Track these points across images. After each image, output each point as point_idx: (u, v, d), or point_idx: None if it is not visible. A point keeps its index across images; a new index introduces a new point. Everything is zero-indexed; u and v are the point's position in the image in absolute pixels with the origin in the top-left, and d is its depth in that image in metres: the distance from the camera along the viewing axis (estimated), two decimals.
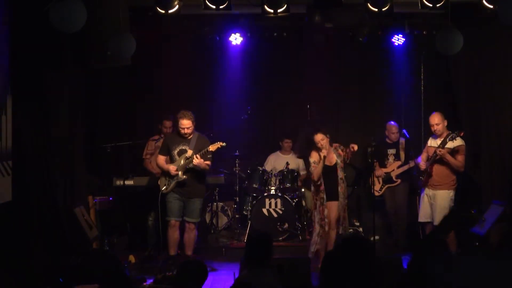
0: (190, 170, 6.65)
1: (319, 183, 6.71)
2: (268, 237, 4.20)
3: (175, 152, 6.69)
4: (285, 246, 7.74)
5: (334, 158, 6.78)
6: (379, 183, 7.81)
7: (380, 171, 7.78)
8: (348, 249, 3.08)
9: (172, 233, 6.71)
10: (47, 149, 6.25)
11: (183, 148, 6.67)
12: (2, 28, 5.58)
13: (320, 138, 6.66)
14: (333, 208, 6.72)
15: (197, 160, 6.49)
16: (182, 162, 6.61)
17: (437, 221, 6.62)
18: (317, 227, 6.74)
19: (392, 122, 7.88)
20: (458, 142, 6.63)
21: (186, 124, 6.58)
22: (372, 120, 8.85)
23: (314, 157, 6.74)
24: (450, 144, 6.63)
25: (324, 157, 6.62)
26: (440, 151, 6.52)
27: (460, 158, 6.65)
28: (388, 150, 7.84)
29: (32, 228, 5.97)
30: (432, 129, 6.74)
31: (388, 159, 7.83)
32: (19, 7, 5.69)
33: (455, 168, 6.64)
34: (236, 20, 8.03)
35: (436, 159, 6.64)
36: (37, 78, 6.13)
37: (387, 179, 7.76)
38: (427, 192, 6.77)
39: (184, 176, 6.61)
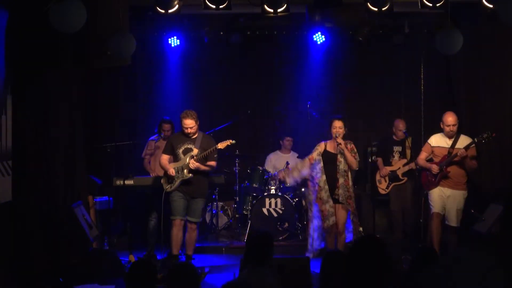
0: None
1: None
2: (268, 237, 4.19)
3: (180, 150, 6.64)
4: (285, 246, 7.74)
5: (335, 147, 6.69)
6: (386, 181, 7.72)
7: (385, 170, 7.67)
8: (361, 251, 2.92)
9: (176, 232, 6.65)
10: (47, 149, 6.25)
11: (189, 146, 6.62)
12: (1, 28, 5.59)
13: (338, 125, 6.57)
14: (339, 211, 6.64)
15: (194, 165, 6.47)
16: (187, 160, 6.57)
17: (454, 222, 6.54)
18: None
19: (399, 119, 7.77)
20: (470, 141, 6.51)
21: (189, 123, 6.54)
22: (372, 120, 8.87)
23: (319, 148, 6.73)
24: (461, 144, 6.51)
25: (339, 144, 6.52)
26: (462, 152, 6.39)
27: (475, 159, 6.61)
28: (394, 147, 7.71)
29: (32, 228, 5.97)
30: (448, 129, 6.52)
31: (393, 157, 7.70)
32: (19, 7, 5.69)
33: (470, 169, 6.58)
34: (235, 19, 8.03)
35: (453, 160, 6.48)
36: (37, 78, 6.13)
37: (393, 177, 7.63)
38: (442, 190, 6.58)
39: (190, 175, 6.57)
